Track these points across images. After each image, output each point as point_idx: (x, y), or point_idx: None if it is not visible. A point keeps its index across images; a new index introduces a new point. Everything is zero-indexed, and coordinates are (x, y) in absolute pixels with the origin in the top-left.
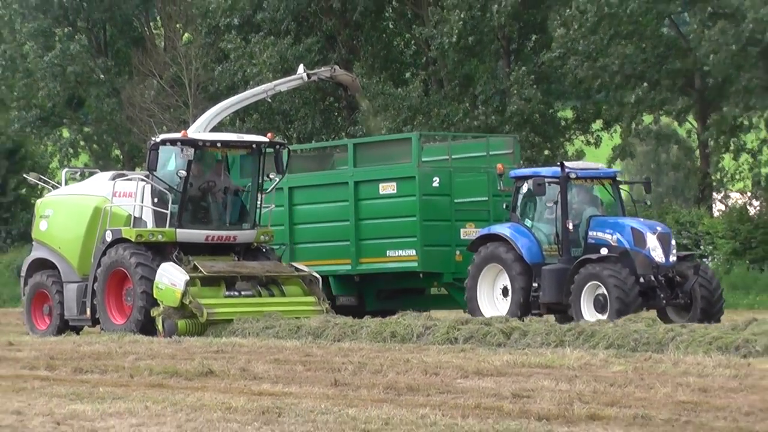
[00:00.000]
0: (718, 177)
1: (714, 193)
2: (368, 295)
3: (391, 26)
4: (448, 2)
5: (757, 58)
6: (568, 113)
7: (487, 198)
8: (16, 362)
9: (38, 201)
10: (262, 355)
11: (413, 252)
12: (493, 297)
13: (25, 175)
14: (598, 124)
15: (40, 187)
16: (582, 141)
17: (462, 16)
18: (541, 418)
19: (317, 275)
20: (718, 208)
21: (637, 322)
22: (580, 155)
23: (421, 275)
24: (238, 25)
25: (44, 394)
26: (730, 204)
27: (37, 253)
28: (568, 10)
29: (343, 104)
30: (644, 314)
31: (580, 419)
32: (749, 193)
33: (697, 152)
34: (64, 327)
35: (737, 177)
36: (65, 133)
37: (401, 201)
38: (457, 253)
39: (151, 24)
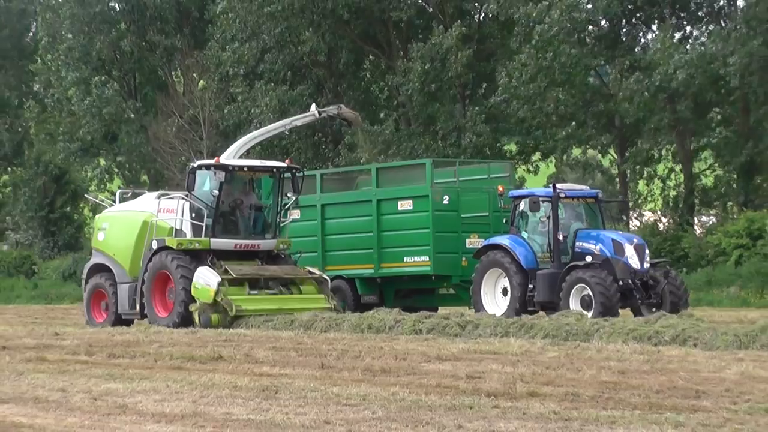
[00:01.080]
0: (635, 199)
1: (631, 212)
2: (388, 294)
3: (368, 76)
4: (414, 56)
5: (665, 103)
6: (513, 147)
7: (488, 213)
8: (61, 349)
9: (97, 216)
10: (262, 343)
11: (427, 258)
12: (495, 296)
13: (86, 195)
14: (536, 156)
15: (91, 205)
16: (524, 169)
17: (425, 67)
18: (490, 395)
19: (327, 277)
20: (634, 224)
21: (568, 317)
22: (522, 182)
23: (433, 278)
24: (244, 74)
25: (84, 375)
26: (643, 221)
27: (95, 259)
28: (512, 63)
29: (329, 139)
30: (621, 312)
31: (522, 396)
32: (659, 212)
33: (617, 179)
34: (117, 320)
35: (649, 199)
36: (101, 162)
37: (417, 216)
38: (463, 259)
39: (173, 73)
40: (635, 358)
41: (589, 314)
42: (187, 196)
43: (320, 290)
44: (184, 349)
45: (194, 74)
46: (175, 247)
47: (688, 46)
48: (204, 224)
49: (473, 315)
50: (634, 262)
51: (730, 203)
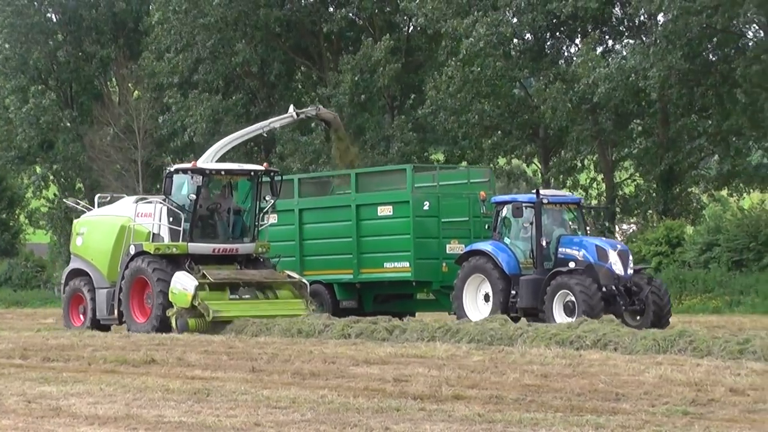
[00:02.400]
0: None
1: None
2: (367, 299)
3: (300, 86)
4: (344, 68)
5: (587, 114)
6: (440, 156)
7: (468, 218)
8: None
9: (75, 221)
10: (195, 347)
11: (407, 264)
12: (476, 302)
13: (64, 200)
14: (463, 165)
15: (27, 211)
16: None
17: (355, 79)
18: (416, 398)
19: (306, 281)
20: None
21: (493, 322)
22: None
23: (414, 283)
24: (178, 84)
25: (18, 378)
26: None
27: (74, 264)
28: (440, 77)
29: (261, 148)
30: (605, 317)
31: (447, 399)
32: None
33: (542, 187)
34: (95, 325)
35: None
36: (38, 170)
37: (397, 221)
38: (444, 264)
39: (108, 83)
40: (557, 362)
41: (573, 320)
42: (164, 200)
43: (299, 295)
44: (118, 353)
45: (129, 84)
46: (152, 252)
47: (609, 60)
48: (182, 229)
49: (397, 321)
50: (618, 268)
51: (650, 212)
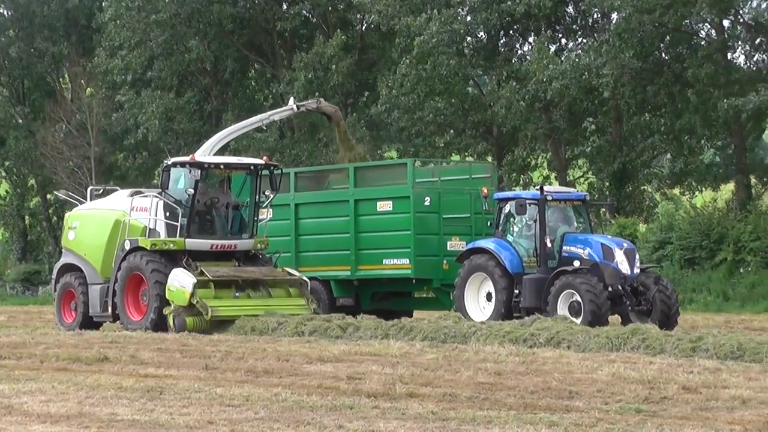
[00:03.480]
0: None
1: None
2: (364, 297)
3: (253, 84)
4: (298, 65)
5: (541, 112)
6: (393, 154)
7: (469, 215)
8: None
9: (67, 214)
10: (148, 345)
11: (407, 261)
12: (478, 301)
13: (56, 192)
14: (418, 163)
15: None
16: None
17: (309, 76)
18: (370, 396)
19: (306, 279)
20: None
21: (447, 320)
22: None
23: (414, 281)
24: (131, 81)
25: None
26: None
27: (65, 258)
28: (393, 75)
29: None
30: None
31: (401, 396)
32: None
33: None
34: (87, 322)
35: None
36: None
37: (397, 217)
38: (444, 262)
39: (61, 80)
40: (511, 360)
41: (578, 321)
42: (160, 194)
43: (299, 293)
44: (70, 351)
45: (82, 81)
46: (148, 248)
47: (563, 58)
48: (179, 224)
49: (350, 318)
50: (624, 267)
51: (603, 210)
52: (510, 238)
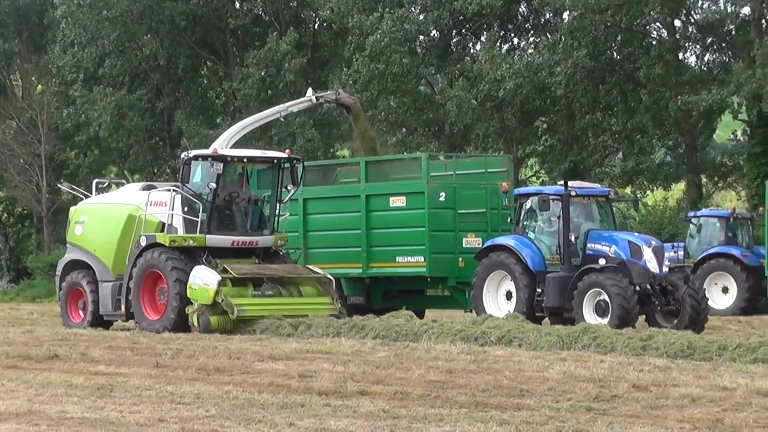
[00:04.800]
0: None
1: None
2: (376, 295)
3: (206, 81)
4: (250, 62)
5: (493, 111)
6: (346, 152)
7: (485, 210)
8: None
9: (72, 208)
10: (98, 343)
11: (422, 258)
12: (497, 301)
13: (59, 185)
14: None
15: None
16: None
17: (262, 74)
18: (321, 394)
19: (331, 277)
20: None
21: (398, 318)
22: None
23: (429, 279)
24: (83, 78)
25: None
26: None
27: (71, 254)
28: (346, 70)
29: (167, 142)
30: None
31: (352, 394)
32: None
33: None
34: (97, 321)
35: None
36: None
37: (411, 213)
38: (460, 259)
39: (11, 77)
40: (462, 358)
41: (605, 321)
42: (180, 188)
43: (325, 291)
44: (20, 349)
45: (33, 78)
46: (167, 244)
47: (515, 57)
48: (199, 219)
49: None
50: (653, 265)
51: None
52: (531, 235)
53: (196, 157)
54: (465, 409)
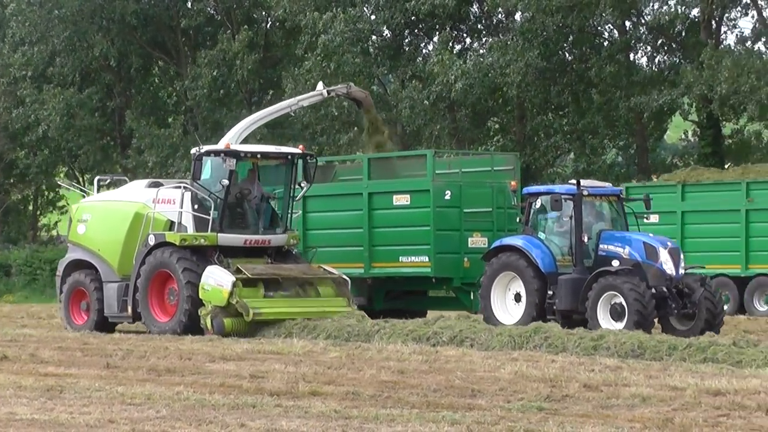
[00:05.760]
0: None
1: None
2: (378, 295)
3: (157, 81)
4: (202, 62)
5: (445, 111)
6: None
7: (491, 209)
8: None
9: (74, 206)
10: (48, 344)
11: (426, 258)
12: (505, 303)
13: (59, 181)
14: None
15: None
16: None
17: (214, 73)
18: (272, 394)
19: (346, 278)
20: None
21: (350, 318)
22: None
23: (433, 280)
24: (33, 77)
25: None
26: None
27: (74, 254)
28: (298, 70)
29: (118, 142)
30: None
31: (304, 395)
32: None
33: None
34: (101, 323)
35: None
36: None
37: (415, 212)
38: (466, 259)
39: None
40: (414, 358)
41: (621, 325)
42: (190, 184)
43: (340, 292)
44: None
45: None
46: (177, 244)
47: (467, 57)
48: (211, 217)
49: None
50: (669, 267)
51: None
52: (541, 235)
53: (208, 153)
54: (416, 409)
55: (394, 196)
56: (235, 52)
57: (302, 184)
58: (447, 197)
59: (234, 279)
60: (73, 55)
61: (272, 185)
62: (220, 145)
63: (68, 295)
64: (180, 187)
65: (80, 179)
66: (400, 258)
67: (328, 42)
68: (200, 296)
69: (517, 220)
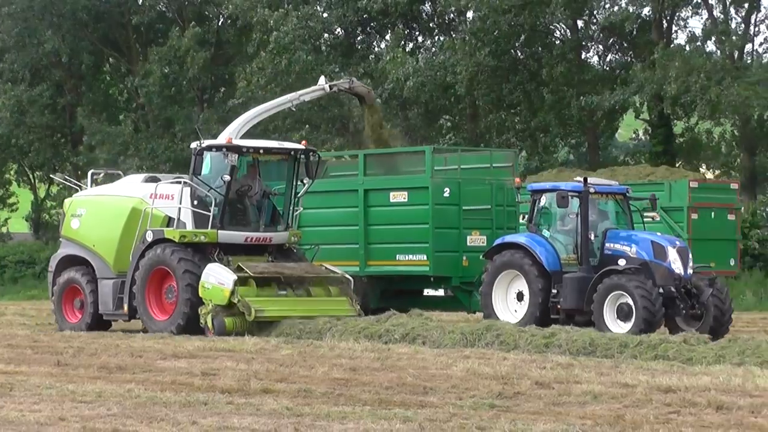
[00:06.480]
0: None
1: None
2: (373, 294)
3: (108, 78)
4: (153, 59)
5: (397, 110)
6: None
7: (490, 207)
8: None
9: (67, 200)
10: None
11: (425, 257)
12: (507, 302)
13: (52, 176)
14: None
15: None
16: None
17: (165, 71)
18: (224, 392)
19: (349, 277)
20: None
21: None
22: None
23: (432, 279)
24: None
25: None
26: None
27: (67, 249)
28: (249, 67)
29: (69, 139)
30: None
31: (256, 392)
32: None
33: None
34: (96, 321)
35: None
36: None
37: (413, 209)
38: (464, 258)
39: None
40: (366, 356)
41: (629, 325)
42: (190, 179)
43: (343, 292)
44: None
45: None
46: (177, 240)
47: (419, 56)
48: (211, 214)
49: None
50: (678, 267)
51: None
52: (546, 233)
53: (209, 148)
54: (368, 406)
55: (391, 193)
56: (185, 48)
57: (304, 181)
58: (446, 194)
59: (236, 277)
60: (23, 52)
61: (273, 181)
62: (221, 140)
63: (61, 293)
64: (179, 182)
65: (30, 176)
66: (397, 256)
67: (279, 39)
68: (200, 295)
69: (521, 218)
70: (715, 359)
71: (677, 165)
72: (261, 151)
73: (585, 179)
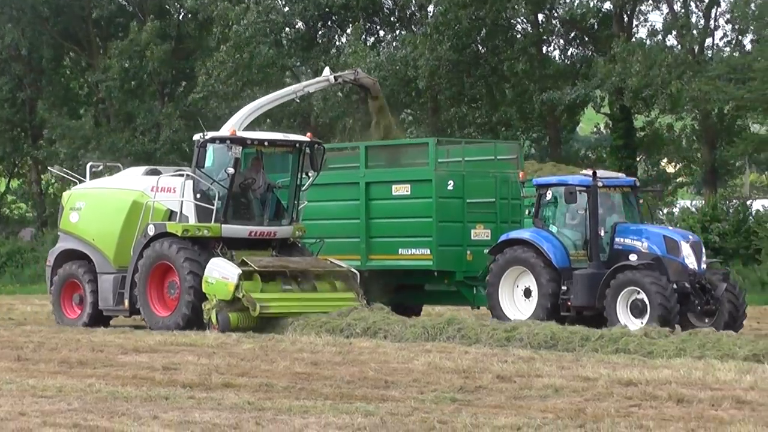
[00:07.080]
0: None
1: None
2: (374, 290)
3: (68, 72)
4: (113, 53)
5: (358, 103)
6: None
7: (494, 200)
8: None
9: (66, 193)
10: None
11: (428, 251)
12: (514, 298)
13: (49, 168)
14: None
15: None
16: None
17: (125, 65)
18: (185, 386)
19: (355, 271)
20: None
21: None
22: None
23: (435, 273)
24: None
25: None
26: None
27: (65, 243)
28: (210, 61)
29: (29, 133)
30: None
31: (217, 387)
32: None
33: None
34: (96, 316)
35: None
36: None
37: (416, 202)
38: (468, 252)
39: None
40: (328, 350)
41: (643, 321)
42: (193, 172)
43: (349, 286)
44: None
45: None
46: (179, 234)
47: (381, 50)
48: (214, 207)
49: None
50: (691, 262)
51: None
52: (553, 228)
53: (212, 140)
54: (330, 400)
55: (394, 186)
56: (145, 42)
57: (309, 174)
58: (450, 187)
59: (240, 272)
60: None
61: (276, 174)
62: (225, 132)
63: (60, 288)
64: (181, 175)
65: None
66: (400, 250)
67: (240, 32)
68: (203, 289)
69: (526, 212)
70: (676, 353)
71: (638, 159)
72: (266, 143)
73: (594, 173)
